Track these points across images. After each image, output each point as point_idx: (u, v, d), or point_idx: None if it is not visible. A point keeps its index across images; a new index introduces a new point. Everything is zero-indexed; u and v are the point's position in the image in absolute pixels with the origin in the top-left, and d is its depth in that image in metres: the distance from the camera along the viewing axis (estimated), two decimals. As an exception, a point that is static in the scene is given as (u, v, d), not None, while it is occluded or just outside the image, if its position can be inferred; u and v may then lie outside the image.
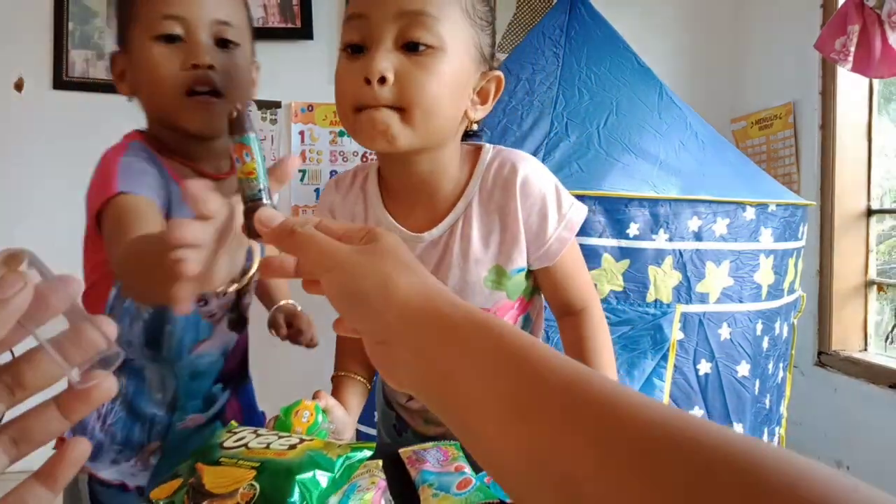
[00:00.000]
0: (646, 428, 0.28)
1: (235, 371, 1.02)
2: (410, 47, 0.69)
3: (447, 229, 0.81)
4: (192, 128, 0.84)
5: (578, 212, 0.83)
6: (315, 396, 0.76)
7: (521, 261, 0.82)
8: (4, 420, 0.32)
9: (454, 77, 0.72)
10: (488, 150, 0.83)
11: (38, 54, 2.59)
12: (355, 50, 0.72)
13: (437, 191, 0.81)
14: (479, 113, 0.79)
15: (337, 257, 0.41)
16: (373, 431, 1.79)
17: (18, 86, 2.60)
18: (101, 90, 2.64)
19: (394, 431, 1.00)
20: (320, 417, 0.73)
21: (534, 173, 0.81)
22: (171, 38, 0.82)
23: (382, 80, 0.68)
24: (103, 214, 0.77)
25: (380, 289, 0.39)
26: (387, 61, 0.68)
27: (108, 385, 0.33)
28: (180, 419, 0.95)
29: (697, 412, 1.67)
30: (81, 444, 0.33)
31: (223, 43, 0.86)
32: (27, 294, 0.30)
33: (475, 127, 0.82)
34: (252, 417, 1.06)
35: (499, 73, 0.79)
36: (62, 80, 2.60)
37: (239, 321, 0.99)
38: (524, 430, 0.31)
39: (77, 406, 0.33)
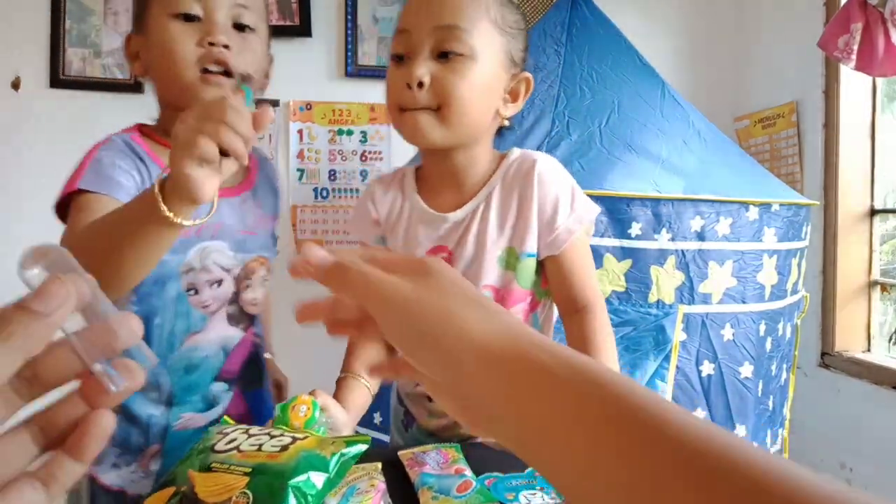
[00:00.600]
0: None
1: (242, 371, 0.99)
2: (443, 56, 0.82)
3: (469, 212, 0.91)
4: None
5: (590, 209, 0.90)
6: (311, 393, 0.78)
7: (532, 245, 0.89)
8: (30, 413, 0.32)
9: (483, 80, 0.84)
10: (515, 151, 0.94)
11: (34, 53, 2.59)
12: (399, 59, 0.85)
13: (466, 180, 0.91)
14: (510, 110, 0.90)
15: (396, 296, 0.37)
16: (377, 434, 1.78)
17: (15, 84, 2.59)
18: (99, 88, 2.63)
19: (402, 427, 1.02)
20: (317, 413, 0.74)
21: (552, 168, 0.91)
22: (189, 17, 0.84)
23: (420, 84, 0.82)
24: (66, 206, 0.80)
25: (447, 327, 0.35)
26: (423, 68, 0.82)
27: (103, 426, 0.32)
28: (176, 417, 0.93)
29: (700, 413, 1.65)
30: (106, 416, 0.32)
31: (240, 27, 0.88)
32: (69, 306, 0.30)
33: (507, 123, 0.92)
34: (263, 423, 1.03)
35: (528, 74, 0.90)
36: (59, 79, 2.59)
37: (240, 316, 0.97)
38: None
39: (78, 453, 0.32)
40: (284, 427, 0.71)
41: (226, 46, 0.84)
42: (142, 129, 0.94)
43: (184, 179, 0.60)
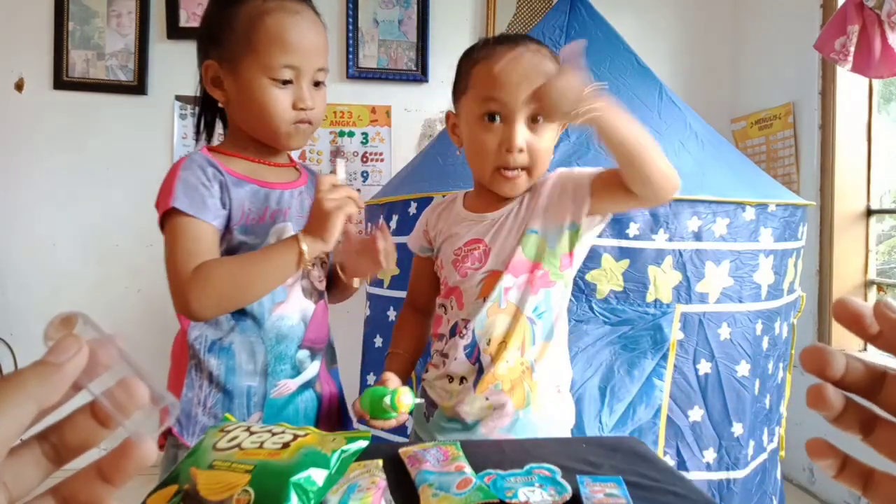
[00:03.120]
0: None
1: (320, 342, 1.11)
2: (534, 119, 0.98)
3: (505, 212, 1.06)
4: (293, 146, 1.10)
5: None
6: (385, 381, 1.01)
7: (565, 216, 1.04)
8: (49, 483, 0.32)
9: (556, 135, 1.03)
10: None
11: (38, 54, 2.60)
12: (492, 118, 1.00)
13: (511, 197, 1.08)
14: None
15: None
16: (377, 432, 1.80)
17: (19, 86, 2.60)
18: (101, 90, 2.64)
19: (423, 419, 1.12)
20: (416, 398, 0.95)
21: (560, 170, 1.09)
22: (285, 82, 1.02)
23: (520, 150, 0.98)
24: (164, 223, 1.00)
25: None
26: (523, 136, 0.98)
27: (148, 448, 0.32)
28: (272, 385, 1.04)
29: (697, 412, 1.67)
30: (147, 444, 0.32)
31: (317, 83, 1.06)
32: (82, 358, 0.31)
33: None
34: (340, 402, 1.17)
35: None
36: (62, 81, 2.60)
37: (312, 290, 1.10)
38: None
39: (114, 475, 0.32)
40: (387, 416, 0.94)
41: (312, 108, 1.04)
42: (210, 149, 1.10)
43: (328, 237, 0.94)
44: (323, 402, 1.11)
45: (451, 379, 1.07)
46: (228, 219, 1.01)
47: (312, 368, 1.09)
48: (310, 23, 1.03)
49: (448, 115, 1.13)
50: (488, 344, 1.04)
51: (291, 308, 1.07)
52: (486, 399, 1.03)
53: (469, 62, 1.05)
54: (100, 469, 0.32)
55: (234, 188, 1.03)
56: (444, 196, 1.21)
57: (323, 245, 0.95)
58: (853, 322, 0.37)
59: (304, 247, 0.94)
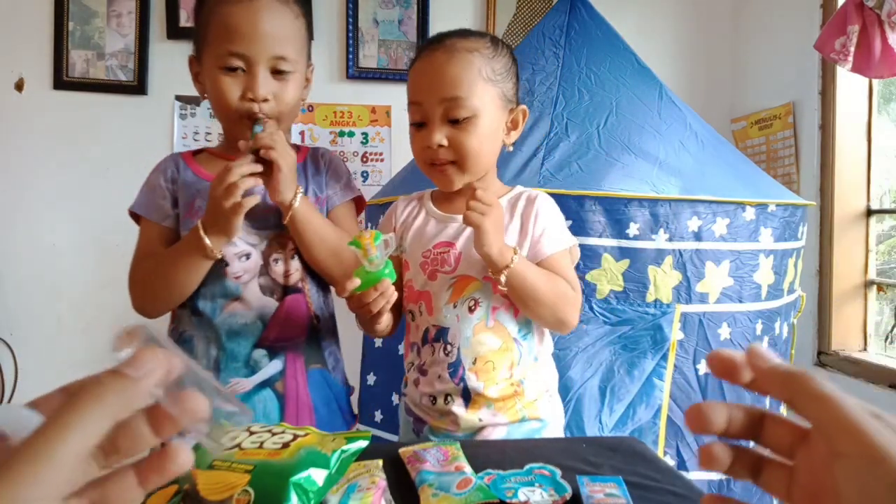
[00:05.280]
0: None
1: (285, 340, 1.07)
2: (453, 122, 1.00)
3: None
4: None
5: (570, 240, 1.09)
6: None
7: (525, 251, 1.05)
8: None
9: (488, 129, 1.02)
10: (519, 187, 1.13)
11: (38, 54, 2.60)
12: (419, 126, 1.03)
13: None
14: (513, 138, 1.09)
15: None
16: (378, 432, 1.80)
17: (19, 86, 2.60)
18: (101, 90, 2.64)
19: (413, 434, 1.10)
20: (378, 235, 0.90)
21: (552, 203, 1.10)
22: (233, 69, 1.02)
23: (440, 146, 1.00)
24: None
25: None
26: (439, 134, 1.00)
27: (183, 458, 0.32)
28: (225, 382, 1.03)
29: (697, 412, 1.67)
30: (188, 451, 0.32)
31: (278, 72, 1.03)
32: (160, 372, 0.31)
33: (510, 148, 1.10)
34: (330, 408, 1.12)
35: (524, 106, 1.09)
36: (62, 81, 2.60)
37: (273, 288, 1.06)
38: None
39: (153, 477, 0.32)
40: (368, 275, 0.89)
41: (264, 100, 1.01)
42: (201, 150, 1.13)
43: (223, 222, 0.93)
44: (287, 403, 1.06)
45: (433, 399, 1.04)
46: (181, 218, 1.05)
47: (271, 368, 1.06)
48: (266, 9, 0.99)
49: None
50: (474, 363, 1.02)
51: (246, 306, 1.04)
52: (479, 420, 1.03)
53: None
54: (138, 471, 0.32)
55: (187, 188, 1.05)
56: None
57: (226, 238, 0.96)
58: (727, 372, 0.38)
59: (208, 242, 0.94)
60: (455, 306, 1.02)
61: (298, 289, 1.09)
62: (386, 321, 1.02)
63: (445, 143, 1.00)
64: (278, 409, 1.05)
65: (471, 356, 1.02)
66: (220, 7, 0.99)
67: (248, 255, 1.06)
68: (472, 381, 1.01)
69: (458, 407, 1.02)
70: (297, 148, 1.15)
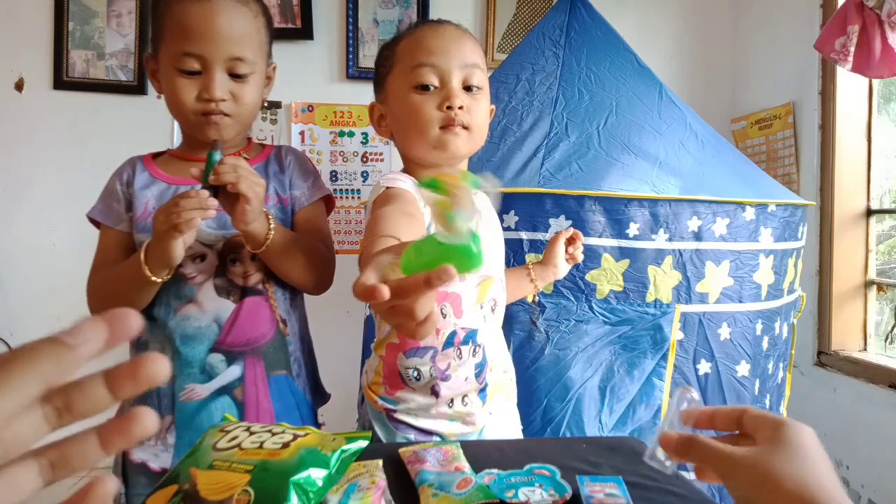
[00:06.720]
0: None
1: (245, 345, 1.01)
2: (468, 89, 0.99)
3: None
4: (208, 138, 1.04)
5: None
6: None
7: None
8: (46, 442, 0.32)
9: (488, 109, 1.05)
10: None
11: (38, 54, 2.60)
12: (426, 89, 0.98)
13: None
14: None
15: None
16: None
17: (19, 86, 2.60)
18: (101, 90, 2.64)
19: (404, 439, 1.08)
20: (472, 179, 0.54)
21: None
22: (191, 73, 1.00)
23: (461, 107, 0.97)
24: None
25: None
26: (462, 96, 0.97)
27: (148, 421, 0.33)
28: (180, 388, 0.99)
29: (697, 412, 1.67)
30: (153, 414, 0.33)
31: (236, 76, 1.01)
32: (98, 342, 0.31)
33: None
34: (292, 417, 1.06)
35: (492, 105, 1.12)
36: (62, 81, 2.60)
37: (229, 289, 1.01)
38: None
39: (116, 439, 0.33)
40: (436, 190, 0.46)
41: (221, 100, 0.99)
42: (165, 152, 1.13)
43: (162, 254, 0.89)
44: (247, 411, 1.01)
45: (450, 403, 0.99)
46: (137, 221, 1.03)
47: (229, 374, 1.00)
48: (223, 9, 0.97)
49: (372, 107, 1.07)
50: (492, 361, 1.04)
51: (200, 308, 1.00)
52: (490, 414, 1.03)
53: (392, 45, 1.04)
54: (101, 433, 0.32)
55: (142, 190, 1.04)
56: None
57: (168, 268, 0.93)
58: (676, 455, 0.57)
59: (147, 272, 0.91)
60: (482, 307, 1.02)
61: (259, 291, 1.03)
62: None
63: (465, 105, 0.97)
64: (238, 417, 1.00)
65: (491, 354, 1.03)
66: (177, 6, 0.97)
67: (202, 257, 1.01)
68: (489, 377, 1.03)
69: (475, 406, 1.01)
70: (261, 147, 1.14)
